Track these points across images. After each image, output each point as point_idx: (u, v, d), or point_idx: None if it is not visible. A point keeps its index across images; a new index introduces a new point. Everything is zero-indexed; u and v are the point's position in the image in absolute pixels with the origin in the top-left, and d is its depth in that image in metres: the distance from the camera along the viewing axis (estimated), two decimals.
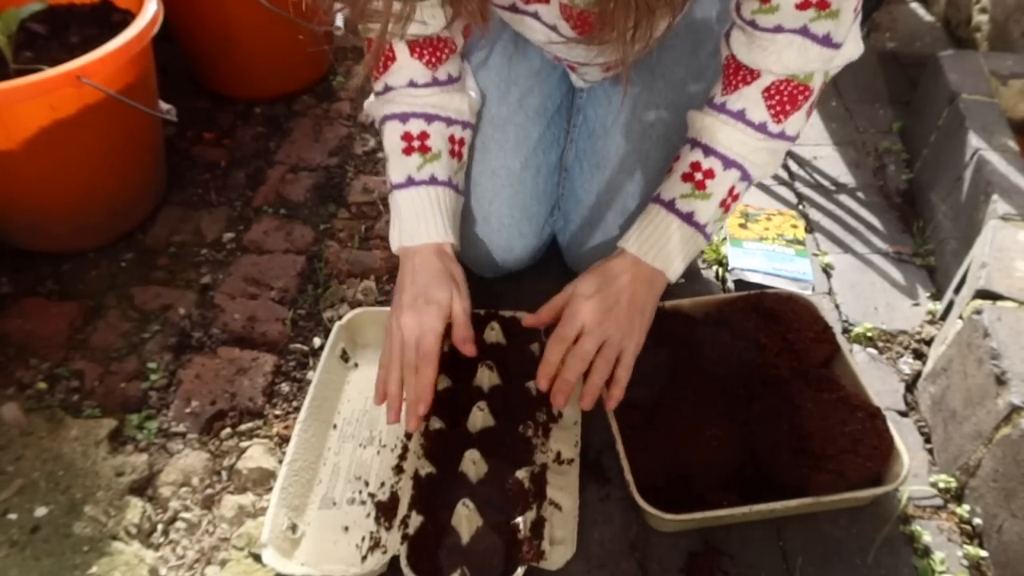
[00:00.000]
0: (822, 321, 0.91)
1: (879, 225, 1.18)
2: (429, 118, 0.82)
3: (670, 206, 0.79)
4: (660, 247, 0.78)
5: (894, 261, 1.12)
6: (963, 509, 0.80)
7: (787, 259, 1.10)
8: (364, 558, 0.76)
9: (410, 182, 0.82)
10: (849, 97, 1.46)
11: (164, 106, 1.18)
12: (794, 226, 1.16)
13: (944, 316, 1.00)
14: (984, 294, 0.85)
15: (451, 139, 0.85)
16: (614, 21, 0.62)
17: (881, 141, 1.35)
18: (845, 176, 1.28)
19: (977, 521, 0.79)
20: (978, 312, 0.83)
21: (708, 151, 0.78)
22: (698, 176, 0.78)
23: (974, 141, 1.06)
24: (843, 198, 1.24)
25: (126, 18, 1.14)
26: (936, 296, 1.06)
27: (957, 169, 1.08)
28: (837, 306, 1.05)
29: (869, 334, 1.00)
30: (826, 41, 0.69)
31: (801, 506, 0.75)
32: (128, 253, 1.14)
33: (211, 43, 1.37)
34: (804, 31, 0.69)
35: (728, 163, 0.77)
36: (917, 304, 1.05)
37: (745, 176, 0.78)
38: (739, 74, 0.76)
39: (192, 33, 1.37)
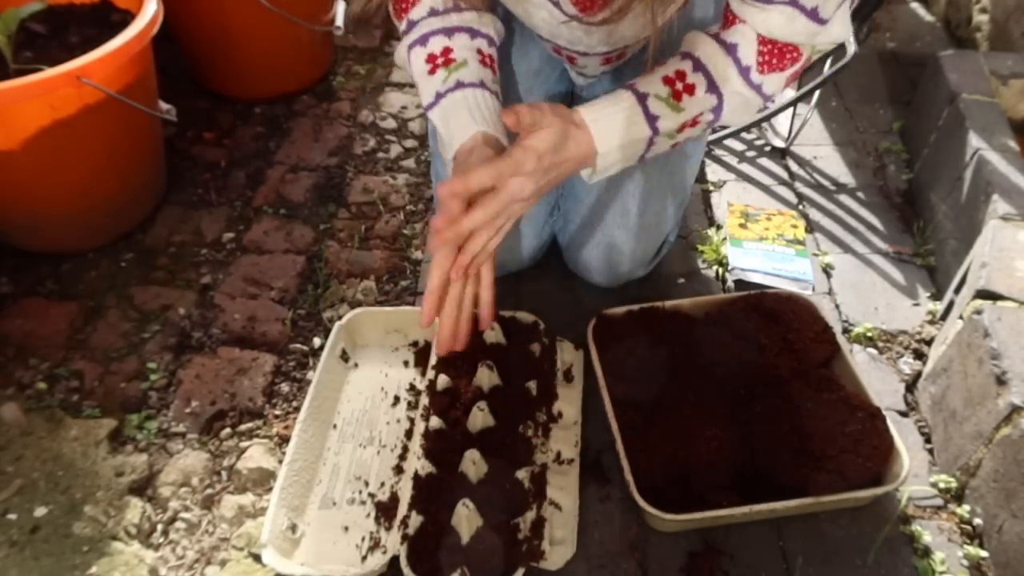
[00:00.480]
0: (822, 321, 0.91)
1: (879, 225, 1.18)
2: (450, 32, 0.79)
3: (642, 99, 0.74)
4: (611, 134, 0.74)
5: (894, 261, 1.12)
6: (963, 509, 0.80)
7: (787, 259, 1.10)
8: (364, 558, 0.76)
9: (438, 97, 0.78)
10: (849, 97, 1.46)
11: (164, 106, 1.18)
12: (794, 226, 1.16)
13: (944, 316, 1.00)
14: (984, 294, 0.84)
15: (479, 52, 0.80)
16: None
17: (881, 141, 1.35)
18: (845, 176, 1.28)
19: (977, 521, 0.79)
20: (978, 312, 0.83)
21: (698, 66, 0.75)
22: (678, 85, 0.75)
23: (974, 141, 1.06)
24: (843, 198, 1.24)
25: (126, 18, 1.14)
26: (936, 296, 1.06)
27: (957, 169, 1.08)
28: (837, 306, 1.05)
29: (869, 334, 1.00)
30: (813, 14, 0.68)
31: (801, 506, 0.75)
32: (128, 253, 1.14)
33: (211, 43, 1.37)
34: (793, 1, 0.68)
35: (712, 87, 0.74)
36: (917, 304, 1.05)
37: (716, 109, 0.75)
38: (738, 19, 0.74)
39: (192, 33, 1.37)
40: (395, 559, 0.73)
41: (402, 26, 0.81)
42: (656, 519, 0.75)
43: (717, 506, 0.75)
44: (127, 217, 1.17)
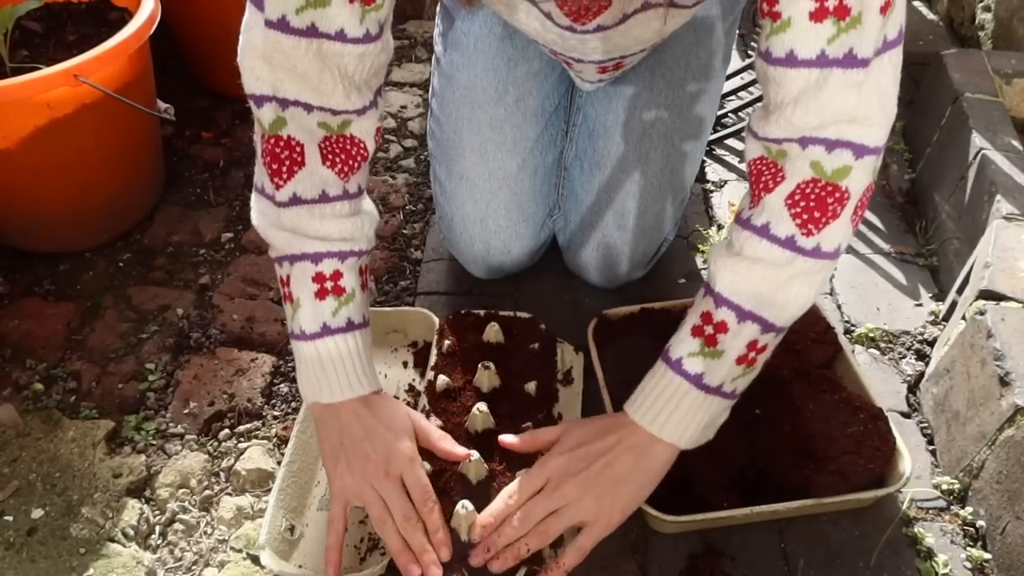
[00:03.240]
0: (824, 322, 0.91)
1: (881, 225, 1.18)
2: (343, 256, 0.72)
3: (676, 366, 0.68)
4: (667, 414, 0.68)
5: (896, 261, 1.11)
6: (966, 511, 0.80)
7: None
8: (363, 560, 0.76)
9: (326, 330, 0.71)
10: None
11: (162, 105, 1.17)
12: None
13: (947, 317, 1.00)
14: (987, 294, 0.84)
15: (361, 271, 0.75)
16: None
17: None
18: None
19: (980, 523, 0.78)
20: (981, 313, 0.82)
21: (719, 300, 0.66)
22: (708, 330, 0.67)
23: (977, 140, 1.05)
24: None
25: (123, 16, 1.13)
26: (939, 297, 1.05)
27: (960, 169, 1.08)
28: (839, 307, 1.04)
29: (871, 335, 0.99)
30: (848, 60, 0.57)
31: (803, 508, 0.75)
32: (126, 253, 1.14)
33: (209, 41, 1.37)
34: (821, 58, 0.58)
35: (743, 315, 0.65)
36: (920, 305, 1.04)
37: (767, 328, 0.66)
38: (761, 180, 0.66)
39: (190, 31, 1.37)
40: (393, 561, 0.72)
41: (279, 195, 0.70)
42: (657, 520, 0.75)
43: (718, 508, 0.75)
44: (125, 217, 1.16)
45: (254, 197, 0.74)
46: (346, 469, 0.70)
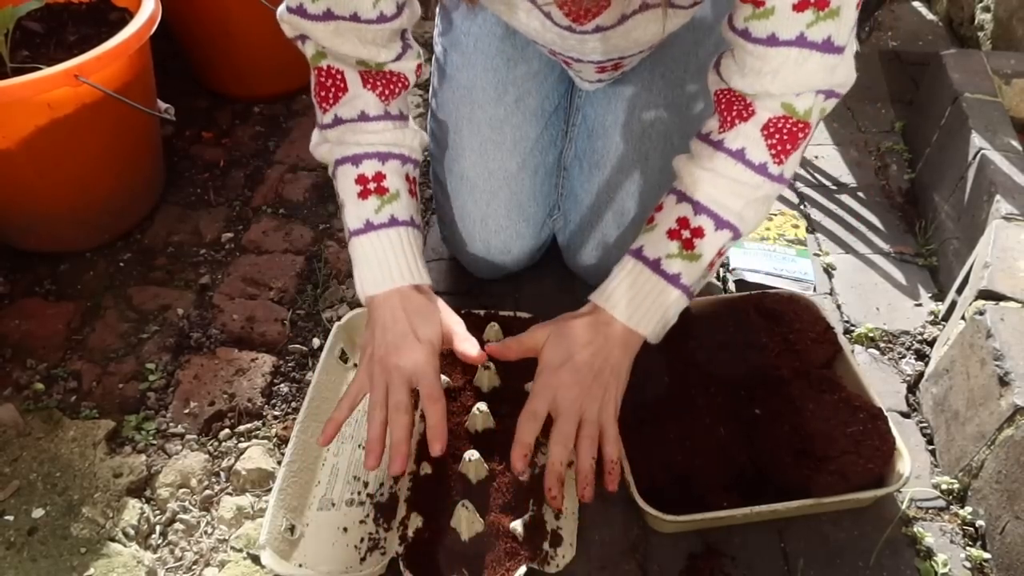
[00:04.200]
0: (824, 322, 0.91)
1: (881, 225, 1.18)
2: (383, 157, 0.77)
3: (655, 265, 0.72)
4: (644, 309, 0.72)
5: (896, 261, 1.11)
6: (966, 511, 0.80)
7: (788, 259, 1.09)
8: (363, 559, 0.76)
9: (369, 227, 0.75)
10: (851, 96, 1.45)
11: (162, 105, 1.17)
12: (795, 226, 1.15)
13: (946, 317, 1.00)
14: (987, 294, 0.84)
15: (407, 178, 0.79)
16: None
17: (883, 140, 1.34)
18: (847, 176, 1.28)
19: (980, 523, 0.78)
20: (981, 313, 0.82)
21: (699, 208, 0.71)
22: (685, 234, 0.72)
23: (977, 141, 1.05)
24: (845, 198, 1.23)
25: (124, 16, 1.13)
26: (938, 297, 1.05)
27: (960, 169, 1.08)
28: (839, 306, 1.04)
29: (871, 335, 0.99)
30: (827, 46, 0.62)
31: (802, 507, 0.75)
32: (126, 253, 1.14)
33: (210, 42, 1.37)
34: (801, 40, 0.62)
35: (721, 223, 0.71)
36: (919, 304, 1.04)
37: (736, 235, 0.72)
38: (733, 109, 0.70)
39: (191, 31, 1.37)
40: (394, 560, 0.72)
41: (326, 118, 0.77)
42: (657, 520, 0.75)
43: (718, 507, 0.75)
44: (125, 217, 1.16)
45: (314, 131, 0.80)
46: (368, 356, 0.74)
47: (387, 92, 0.77)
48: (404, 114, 0.80)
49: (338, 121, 0.76)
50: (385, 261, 0.75)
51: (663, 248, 0.72)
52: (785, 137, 0.69)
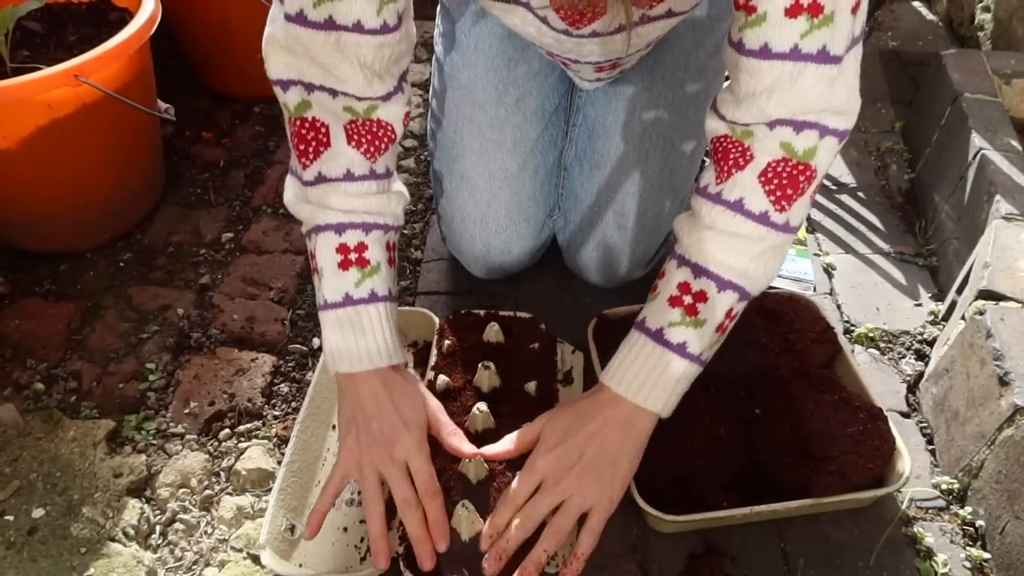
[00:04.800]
0: (824, 322, 0.91)
1: (881, 225, 1.18)
2: (368, 228, 0.72)
3: (658, 336, 0.68)
4: (651, 384, 0.68)
5: (896, 261, 1.11)
6: (966, 511, 0.80)
7: (788, 259, 1.10)
8: (363, 559, 0.76)
9: (348, 300, 0.72)
10: None
11: (162, 105, 1.17)
12: None
13: (946, 317, 1.00)
14: (987, 294, 0.84)
15: (388, 246, 0.75)
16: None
17: (883, 140, 1.34)
18: (847, 176, 1.28)
19: (980, 523, 0.78)
20: (981, 312, 0.82)
21: (698, 271, 0.68)
22: (687, 300, 0.68)
23: (977, 141, 1.05)
24: (845, 198, 1.23)
25: (124, 16, 1.13)
26: (938, 297, 1.05)
27: (960, 169, 1.08)
28: (839, 306, 1.04)
29: (871, 335, 0.99)
30: (822, 56, 0.59)
31: (802, 507, 0.75)
32: (126, 253, 1.14)
33: (210, 41, 1.37)
34: (795, 52, 0.59)
35: (723, 284, 0.67)
36: (919, 305, 1.04)
37: (744, 296, 0.68)
38: (730, 157, 0.66)
39: (191, 31, 1.37)
40: (394, 560, 0.72)
41: (306, 174, 0.72)
42: (657, 520, 0.75)
43: (718, 507, 0.75)
44: (125, 217, 1.16)
45: (288, 178, 0.76)
46: (355, 442, 0.71)
47: (372, 149, 0.72)
48: (390, 171, 0.76)
49: (321, 179, 0.72)
50: (363, 340, 0.72)
51: (665, 317, 0.68)
52: (785, 182, 0.65)
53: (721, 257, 0.67)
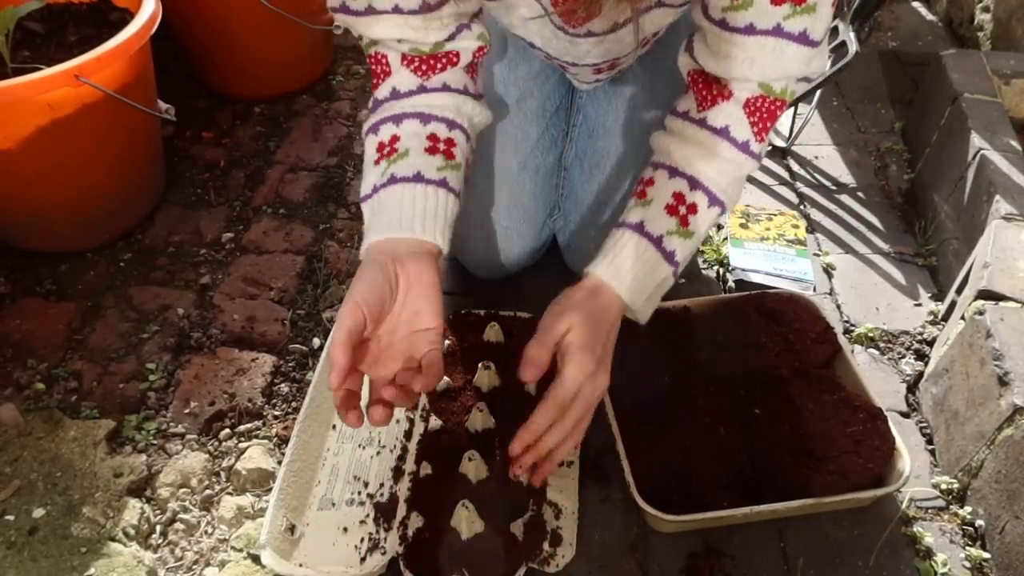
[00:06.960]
0: (823, 321, 0.91)
1: (880, 225, 1.18)
2: (398, 119, 0.72)
3: (658, 243, 0.70)
4: (644, 287, 0.70)
5: (896, 261, 1.11)
6: (965, 511, 0.80)
7: (788, 259, 1.10)
8: (363, 559, 0.76)
9: (374, 190, 0.70)
10: (850, 97, 1.46)
11: (163, 105, 1.17)
12: (795, 226, 1.16)
13: (946, 317, 1.00)
14: (986, 294, 0.84)
15: (431, 137, 0.72)
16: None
17: (883, 141, 1.34)
18: (846, 176, 1.28)
19: (979, 523, 0.78)
20: (980, 312, 0.82)
21: (694, 183, 0.71)
22: (682, 210, 0.70)
23: (976, 141, 1.06)
24: (844, 198, 1.23)
25: (124, 17, 1.13)
26: (938, 296, 1.05)
27: (959, 169, 1.08)
28: (838, 306, 1.04)
29: (871, 335, 0.99)
30: (803, 39, 0.63)
31: (802, 507, 0.75)
32: (127, 253, 1.14)
33: (210, 42, 1.37)
34: (778, 30, 0.62)
35: (713, 200, 0.71)
36: (919, 304, 1.05)
37: (723, 212, 0.72)
38: (712, 88, 0.69)
39: (191, 32, 1.37)
40: (394, 560, 0.72)
41: (371, 103, 0.75)
42: (656, 520, 0.75)
43: (718, 507, 0.75)
44: (125, 217, 1.16)
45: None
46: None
47: (424, 68, 0.72)
48: (448, 85, 0.73)
49: (375, 104, 0.74)
50: (383, 215, 0.68)
51: (663, 224, 0.70)
52: (765, 115, 0.69)
53: (712, 175, 0.70)
